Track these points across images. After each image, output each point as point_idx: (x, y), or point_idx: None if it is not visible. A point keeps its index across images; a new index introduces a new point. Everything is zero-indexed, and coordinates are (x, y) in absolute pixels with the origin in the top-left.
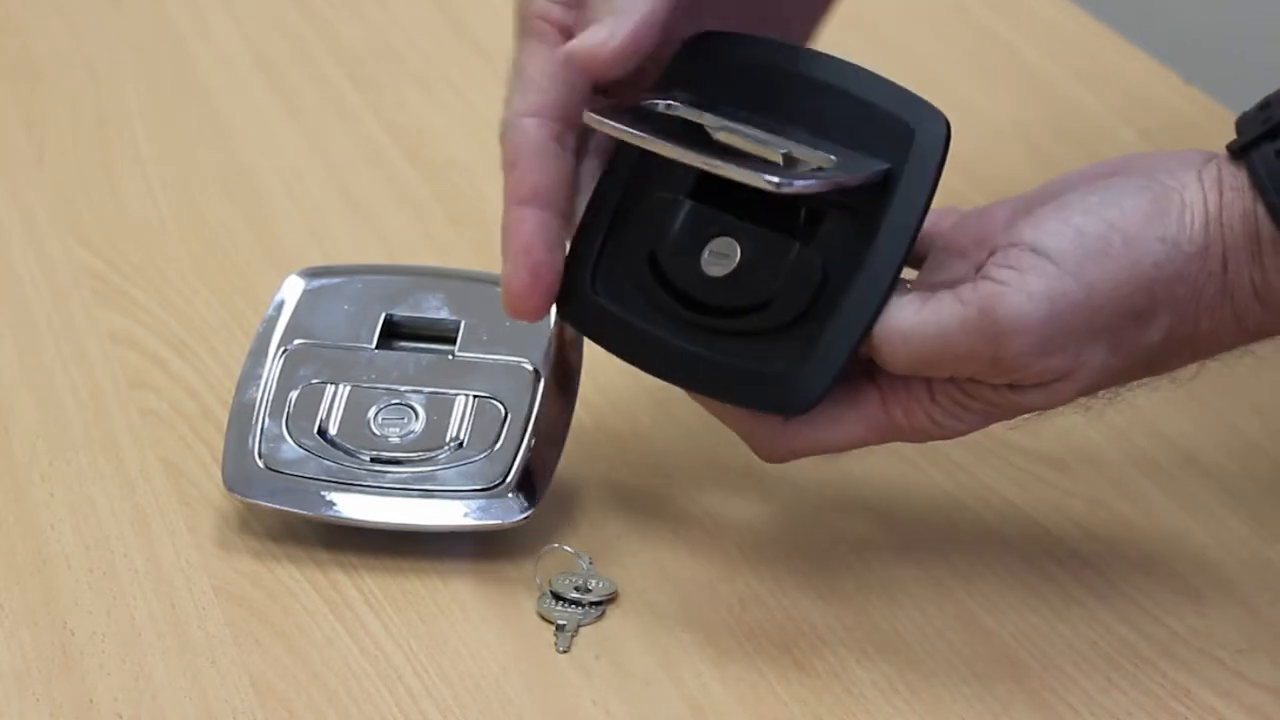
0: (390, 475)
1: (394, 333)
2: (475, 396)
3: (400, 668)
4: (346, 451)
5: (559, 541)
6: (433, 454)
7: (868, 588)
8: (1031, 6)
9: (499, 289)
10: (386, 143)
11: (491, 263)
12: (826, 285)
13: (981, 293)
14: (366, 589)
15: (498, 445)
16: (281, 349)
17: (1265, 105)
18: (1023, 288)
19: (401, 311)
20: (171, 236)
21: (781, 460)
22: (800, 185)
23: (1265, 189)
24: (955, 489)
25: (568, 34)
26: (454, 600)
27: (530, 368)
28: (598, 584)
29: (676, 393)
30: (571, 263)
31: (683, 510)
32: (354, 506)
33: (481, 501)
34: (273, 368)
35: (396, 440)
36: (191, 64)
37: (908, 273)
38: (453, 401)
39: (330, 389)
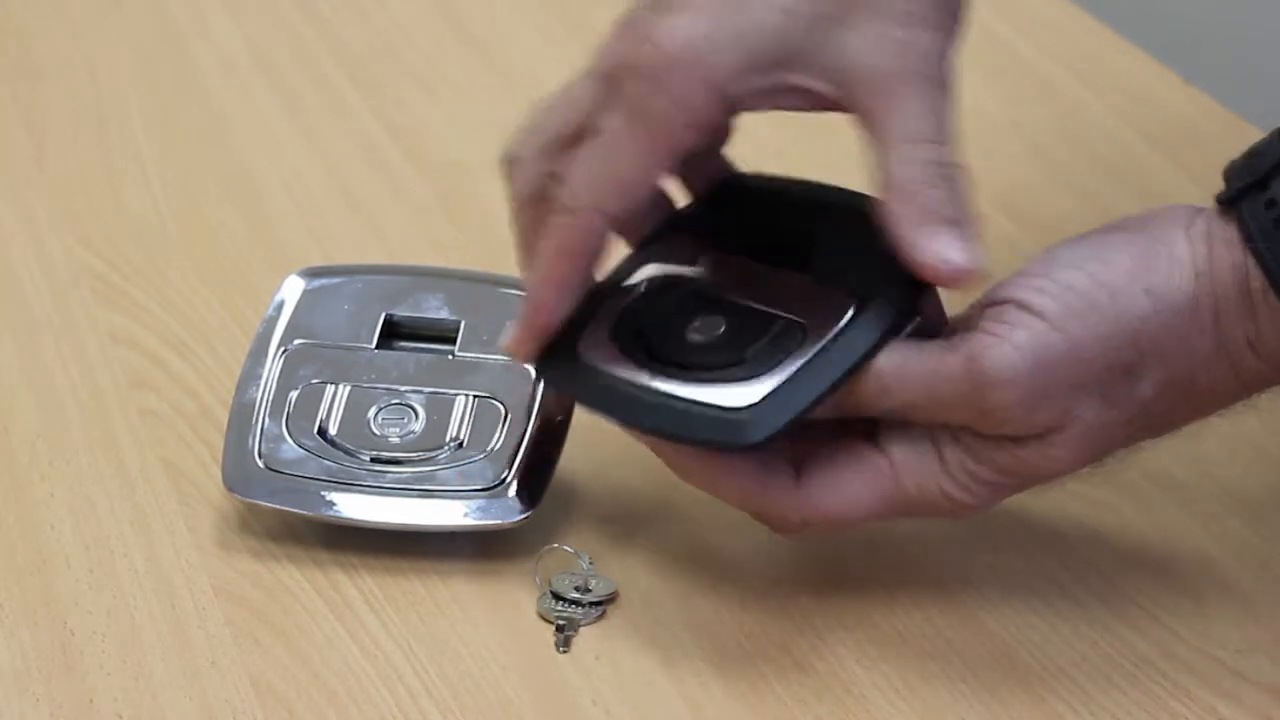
0: (390, 475)
1: (394, 333)
2: (475, 396)
3: (400, 667)
4: (346, 451)
5: (559, 541)
6: (433, 454)
7: (868, 588)
8: (1032, 6)
9: (500, 289)
10: (386, 142)
11: (491, 262)
12: (803, 342)
13: (970, 343)
14: (366, 589)
15: (497, 445)
16: (281, 349)
17: (1252, 154)
18: (1008, 340)
19: (401, 311)
20: (172, 236)
21: (795, 532)
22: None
23: (1255, 241)
24: None
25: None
26: (454, 600)
27: (530, 368)
28: (598, 584)
29: None
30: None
31: (683, 510)
32: (354, 506)
33: (482, 501)
34: (273, 367)
35: (396, 440)
36: (192, 64)
37: None
38: (453, 401)
39: (330, 389)
